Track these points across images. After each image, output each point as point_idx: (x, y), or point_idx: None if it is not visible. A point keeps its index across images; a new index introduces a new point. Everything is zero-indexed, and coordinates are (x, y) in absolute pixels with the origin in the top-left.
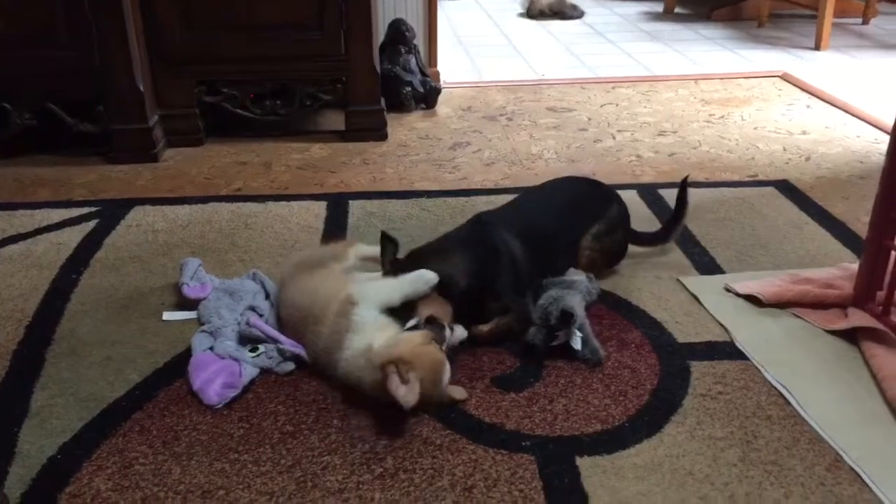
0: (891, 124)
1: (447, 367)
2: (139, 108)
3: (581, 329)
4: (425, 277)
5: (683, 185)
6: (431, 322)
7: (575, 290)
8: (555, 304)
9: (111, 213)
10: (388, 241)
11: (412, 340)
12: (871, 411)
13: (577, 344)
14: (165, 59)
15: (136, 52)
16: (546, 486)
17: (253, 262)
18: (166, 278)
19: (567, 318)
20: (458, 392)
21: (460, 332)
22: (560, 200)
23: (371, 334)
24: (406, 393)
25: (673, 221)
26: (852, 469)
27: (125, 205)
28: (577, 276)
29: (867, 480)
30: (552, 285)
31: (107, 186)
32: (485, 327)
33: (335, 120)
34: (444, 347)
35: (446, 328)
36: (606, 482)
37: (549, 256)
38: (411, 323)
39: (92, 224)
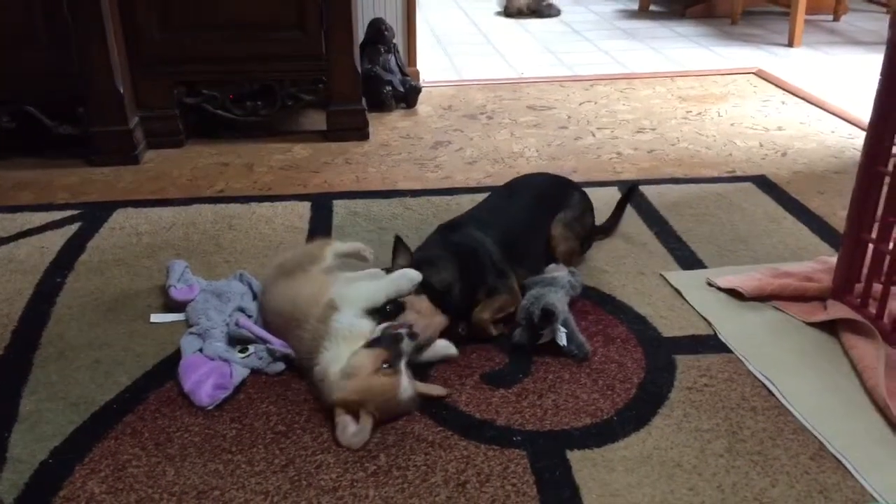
0: (865, 120)
1: (400, 387)
2: (119, 109)
3: (565, 325)
4: (409, 275)
5: (631, 189)
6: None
7: (556, 286)
8: (536, 304)
9: (94, 215)
10: (400, 246)
11: (362, 368)
12: (853, 401)
13: (562, 340)
14: (144, 61)
15: (115, 54)
16: (538, 480)
17: (239, 264)
18: (152, 281)
19: (549, 315)
20: (436, 390)
21: (443, 348)
22: (523, 194)
23: (339, 346)
24: (353, 435)
25: (615, 216)
26: (836, 457)
27: (108, 207)
28: (558, 272)
29: (850, 468)
30: (534, 284)
31: (89, 189)
32: (483, 313)
33: (316, 120)
34: (401, 361)
35: (403, 341)
36: (597, 475)
37: (522, 248)
38: (377, 331)
39: (75, 227)
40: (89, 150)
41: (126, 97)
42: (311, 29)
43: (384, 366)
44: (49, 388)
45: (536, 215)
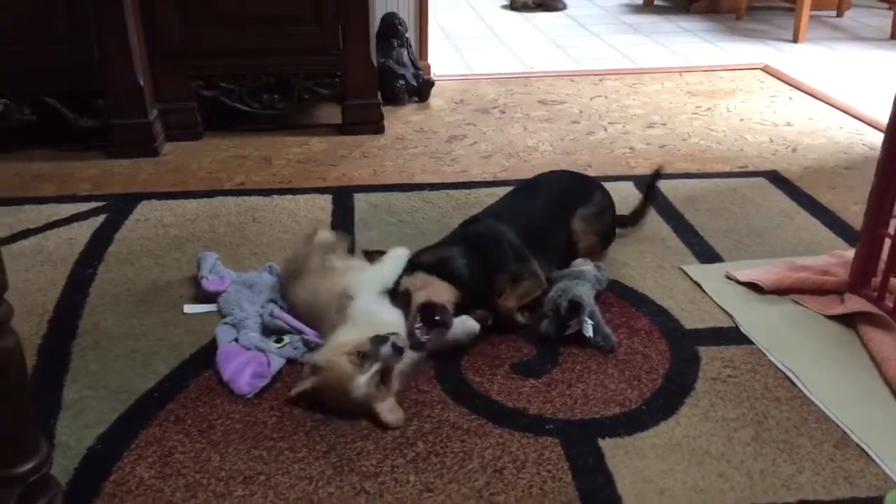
0: (871, 116)
1: (353, 380)
2: (139, 102)
3: (591, 317)
4: (398, 252)
5: (655, 176)
6: (428, 312)
7: (583, 279)
8: (564, 295)
9: (118, 207)
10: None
11: (338, 346)
12: (873, 391)
13: (588, 331)
14: (164, 54)
15: (135, 47)
16: (572, 467)
17: (266, 256)
18: (181, 272)
19: (576, 307)
20: (393, 416)
21: (461, 323)
22: (545, 190)
23: (358, 330)
24: (295, 389)
25: (642, 207)
26: (858, 445)
27: (131, 199)
28: (584, 266)
29: (873, 456)
30: (561, 278)
31: (110, 181)
32: (508, 301)
33: (331, 113)
34: (373, 362)
35: (385, 343)
36: (629, 462)
37: (543, 242)
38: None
39: (100, 219)
40: (109, 143)
41: (146, 90)
42: (328, 23)
43: (356, 354)
44: (89, 376)
45: (557, 211)
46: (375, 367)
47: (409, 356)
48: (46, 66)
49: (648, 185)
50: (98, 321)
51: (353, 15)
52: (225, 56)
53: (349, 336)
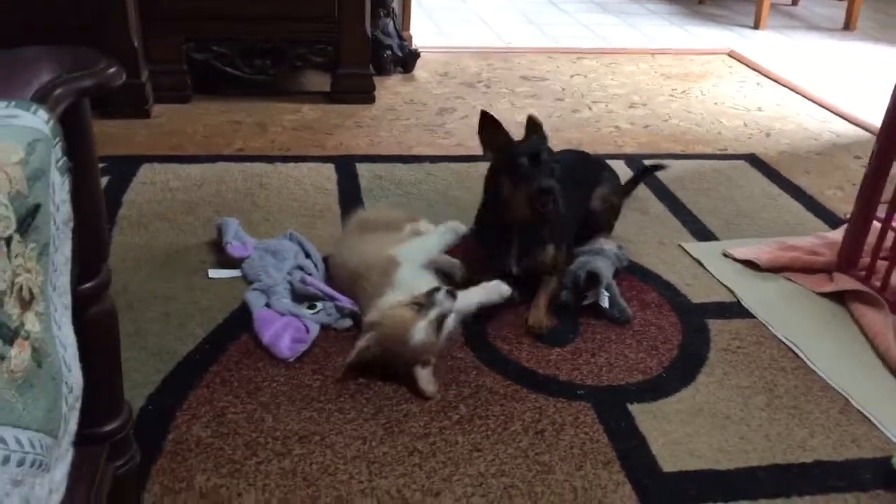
0: (836, 105)
1: (415, 326)
2: (133, 63)
3: (608, 289)
4: (454, 227)
5: (655, 167)
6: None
7: (603, 256)
8: (583, 268)
9: (120, 170)
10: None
11: (398, 303)
12: (867, 363)
13: (605, 303)
14: (157, 15)
15: (130, 6)
16: (607, 430)
17: (279, 222)
18: (197, 237)
19: (594, 278)
20: (431, 386)
21: (495, 287)
22: (565, 170)
23: (396, 297)
24: (354, 351)
25: (629, 185)
26: (860, 412)
27: (132, 162)
28: (606, 244)
29: (875, 422)
30: (582, 253)
31: (107, 141)
32: (540, 308)
33: (317, 81)
34: (431, 310)
35: (439, 292)
36: (658, 426)
37: (564, 222)
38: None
39: (104, 181)
40: (101, 103)
41: (139, 51)
42: None
43: (415, 306)
44: (128, 338)
45: (574, 191)
46: (434, 311)
47: (452, 320)
48: (36, 28)
49: (643, 171)
50: (126, 283)
51: None
52: (219, 20)
53: (399, 294)
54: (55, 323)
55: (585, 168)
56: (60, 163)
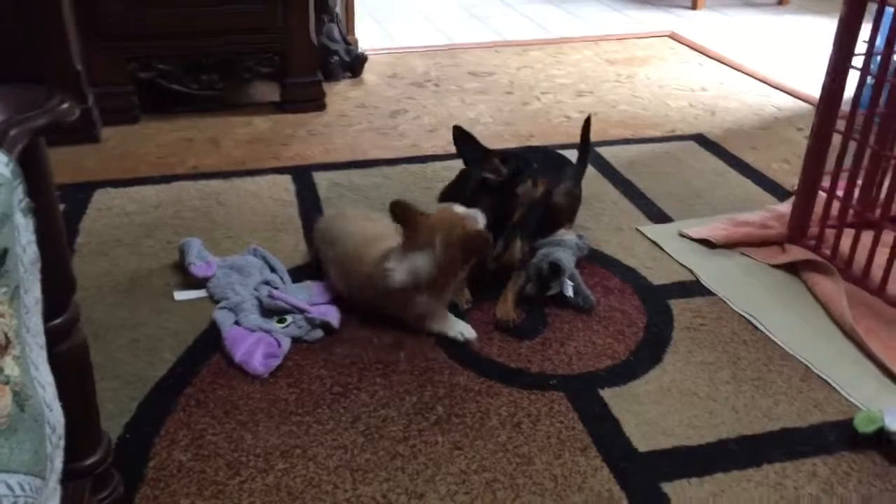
0: (775, 79)
1: (468, 218)
2: (77, 87)
3: (572, 279)
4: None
5: (586, 127)
6: None
7: (565, 246)
8: (545, 259)
9: (74, 197)
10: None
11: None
12: (823, 330)
13: (568, 291)
14: (100, 36)
15: (70, 29)
16: (581, 417)
17: (241, 238)
18: (159, 260)
19: (556, 269)
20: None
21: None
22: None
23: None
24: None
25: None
26: (821, 377)
27: (85, 188)
28: (566, 235)
29: (835, 386)
30: (543, 245)
31: (58, 170)
32: (508, 301)
33: (266, 91)
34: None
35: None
36: (630, 408)
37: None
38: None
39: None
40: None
41: (82, 74)
42: (268, 1)
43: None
44: (98, 368)
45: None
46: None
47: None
48: None
49: (582, 138)
50: (89, 313)
51: None
52: (165, 37)
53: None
54: (32, 364)
55: (547, 165)
56: (23, 204)
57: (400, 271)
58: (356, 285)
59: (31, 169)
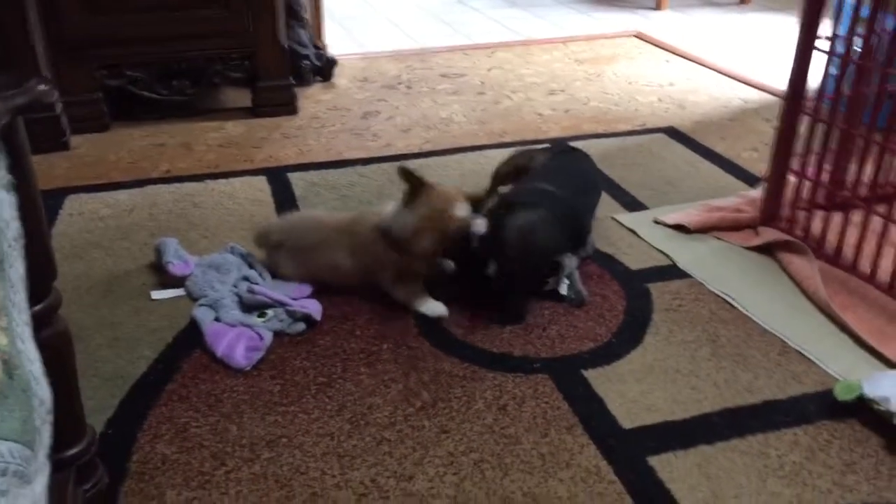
0: (740, 73)
1: (458, 203)
2: None
3: (570, 277)
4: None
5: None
6: None
7: None
8: None
9: (45, 204)
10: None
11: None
12: (798, 306)
13: (563, 290)
14: (67, 45)
15: (38, 38)
16: (566, 397)
17: (218, 238)
18: (135, 261)
19: (556, 267)
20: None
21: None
22: (581, 180)
23: None
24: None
25: None
26: (798, 351)
27: (56, 195)
28: None
29: (812, 359)
30: None
31: None
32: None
33: (237, 96)
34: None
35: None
36: (614, 387)
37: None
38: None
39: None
40: None
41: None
42: (236, 6)
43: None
44: (78, 368)
45: (590, 201)
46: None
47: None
48: None
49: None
50: (68, 315)
51: None
52: (133, 44)
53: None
54: (19, 338)
55: (592, 178)
56: (5, 180)
57: (389, 213)
58: (347, 254)
59: (11, 148)
